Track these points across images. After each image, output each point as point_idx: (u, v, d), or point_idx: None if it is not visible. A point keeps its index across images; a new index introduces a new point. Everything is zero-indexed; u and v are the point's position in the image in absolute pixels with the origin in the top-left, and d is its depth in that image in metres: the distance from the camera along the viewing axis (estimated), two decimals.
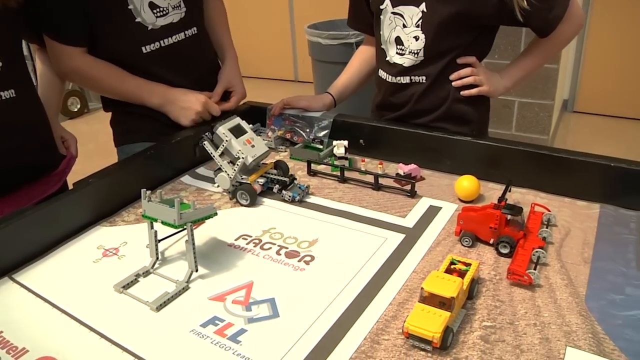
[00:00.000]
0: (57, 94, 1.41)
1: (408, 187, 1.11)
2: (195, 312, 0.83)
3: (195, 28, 1.39)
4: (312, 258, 0.93)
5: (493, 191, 1.12)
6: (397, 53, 1.28)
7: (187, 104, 1.34)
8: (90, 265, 0.98)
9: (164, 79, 1.35)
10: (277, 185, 1.12)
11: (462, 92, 1.28)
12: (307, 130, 1.34)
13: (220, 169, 1.13)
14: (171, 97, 1.35)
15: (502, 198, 0.94)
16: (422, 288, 0.76)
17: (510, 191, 0.98)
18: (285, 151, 1.35)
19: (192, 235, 0.87)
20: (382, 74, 1.34)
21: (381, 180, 1.14)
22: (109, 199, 1.14)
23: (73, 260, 1.00)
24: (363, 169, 1.19)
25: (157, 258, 0.95)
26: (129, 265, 0.96)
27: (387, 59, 1.30)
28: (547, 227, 0.97)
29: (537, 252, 0.89)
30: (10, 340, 0.82)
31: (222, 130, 1.09)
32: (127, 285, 0.90)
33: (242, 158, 1.08)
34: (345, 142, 1.22)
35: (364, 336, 0.76)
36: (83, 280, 0.94)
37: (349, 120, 1.32)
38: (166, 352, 0.76)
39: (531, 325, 0.77)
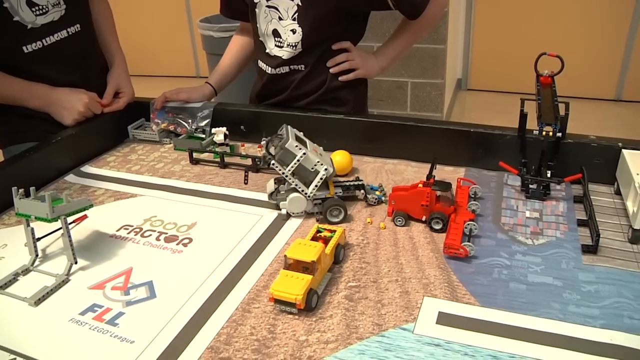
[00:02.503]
0: None
1: None
2: (75, 302, 0.85)
3: (78, 25, 1.38)
4: (190, 240, 0.97)
5: (367, 164, 1.20)
6: (276, 46, 1.32)
7: (69, 104, 1.33)
8: None
9: (49, 78, 1.34)
10: (360, 191, 1.06)
11: (340, 78, 1.34)
12: (190, 120, 1.37)
13: (278, 190, 1.05)
14: (53, 98, 1.34)
15: (429, 175, 0.98)
16: (285, 255, 0.81)
17: (436, 168, 1.01)
18: (170, 143, 1.38)
19: (67, 227, 0.89)
20: (262, 65, 1.38)
21: (259, 163, 1.18)
22: None
23: None
24: (243, 153, 1.23)
25: (37, 255, 0.96)
26: (9, 266, 0.96)
27: (267, 51, 1.34)
28: (474, 200, 1.02)
29: (468, 224, 0.93)
30: None
31: (294, 143, 0.97)
32: (4, 285, 0.91)
33: (325, 170, 0.98)
34: (224, 129, 1.26)
35: (235, 306, 0.81)
36: None
37: (229, 107, 1.36)
38: (45, 344, 0.78)
39: (393, 281, 0.85)
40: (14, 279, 0.92)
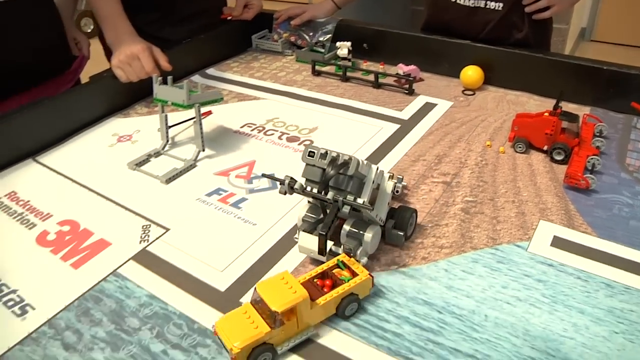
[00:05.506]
0: None
1: (407, 86, 1.15)
2: (201, 185, 0.90)
3: None
4: (311, 142, 0.99)
5: (487, 92, 1.17)
6: None
7: (130, 51, 1.14)
8: (106, 149, 1.05)
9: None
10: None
11: (535, 16, 1.20)
12: (311, 34, 1.38)
13: (353, 236, 0.71)
14: (122, 39, 1.18)
15: (556, 106, 0.94)
16: (255, 287, 0.61)
17: (560, 104, 0.95)
18: (292, 55, 1.40)
19: (200, 115, 0.94)
20: None
21: (381, 80, 1.18)
22: (123, 93, 1.20)
23: (90, 145, 1.07)
24: (365, 69, 1.23)
25: (167, 141, 1.01)
26: (142, 149, 1.03)
27: None
28: (600, 137, 0.96)
29: (592, 159, 0.89)
30: (37, 207, 0.91)
31: (361, 161, 0.67)
32: (139, 163, 0.97)
33: (399, 178, 0.78)
34: (349, 43, 1.26)
35: None
36: (99, 161, 1.01)
37: (353, 24, 1.35)
38: (174, 216, 0.84)
39: (510, 202, 0.83)
40: (146, 159, 0.99)
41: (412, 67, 1.19)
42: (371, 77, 1.20)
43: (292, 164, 0.94)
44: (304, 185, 0.70)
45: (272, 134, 1.03)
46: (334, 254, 0.68)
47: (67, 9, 1.37)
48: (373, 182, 0.69)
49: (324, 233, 0.66)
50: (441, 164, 0.92)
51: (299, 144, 0.99)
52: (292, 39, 1.39)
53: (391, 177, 0.75)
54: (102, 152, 1.05)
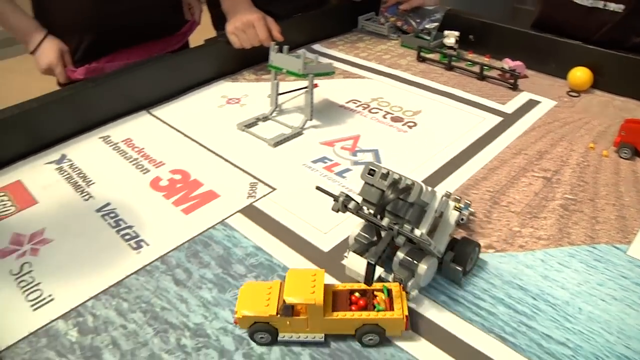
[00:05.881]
0: None
1: (511, 81, 1.16)
2: (307, 151, 0.95)
3: None
4: (415, 124, 1.02)
5: (594, 96, 1.16)
6: None
7: (246, 18, 1.20)
8: (215, 109, 1.12)
9: None
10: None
11: None
12: (418, 20, 1.40)
13: (407, 265, 0.65)
14: (235, 10, 1.24)
15: None
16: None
17: None
18: (396, 39, 1.42)
19: (312, 85, 0.98)
20: None
21: (486, 72, 1.19)
22: (234, 58, 1.26)
23: (200, 104, 1.14)
24: (470, 60, 1.25)
25: (276, 107, 1.06)
26: (250, 112, 1.09)
27: None
28: None
29: None
30: (150, 155, 0.98)
31: (422, 186, 0.61)
32: (248, 125, 1.03)
33: (455, 208, 0.67)
34: (457, 33, 1.27)
35: (455, 187, 0.85)
36: (209, 119, 1.08)
37: (461, 14, 1.36)
38: (281, 178, 0.89)
39: (610, 204, 0.84)
40: (255, 122, 1.04)
41: (518, 62, 1.19)
42: (476, 69, 1.21)
43: (395, 143, 0.97)
44: (360, 205, 0.64)
45: (377, 112, 1.06)
46: (383, 282, 0.63)
47: None
48: (435, 212, 0.62)
49: (372, 262, 0.57)
50: (542, 160, 0.93)
51: (403, 125, 1.02)
52: (399, 23, 1.42)
53: (457, 204, 0.66)
54: (211, 111, 1.11)
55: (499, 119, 1.05)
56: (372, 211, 0.63)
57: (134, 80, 1.11)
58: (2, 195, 0.90)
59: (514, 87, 1.15)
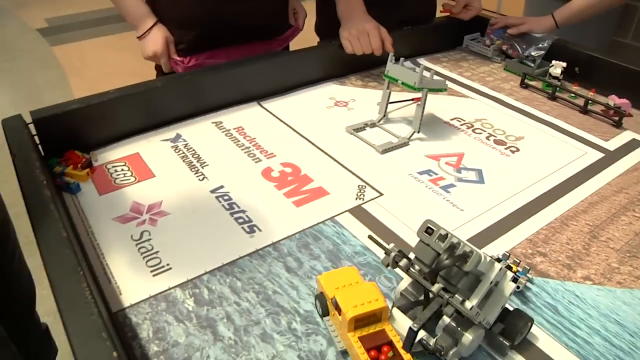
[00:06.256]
0: None
1: (616, 118, 1.17)
2: (413, 162, 1.00)
3: None
4: (517, 149, 1.05)
5: None
6: None
7: (362, 26, 1.26)
8: (324, 110, 1.18)
9: None
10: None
11: None
12: (524, 46, 1.42)
13: (450, 331, 0.61)
14: (351, 17, 1.29)
15: None
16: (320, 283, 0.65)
17: None
18: (500, 62, 1.45)
19: (425, 99, 1.03)
20: None
21: (590, 106, 1.21)
22: (342, 62, 1.32)
23: (309, 102, 1.21)
24: (574, 92, 1.26)
25: (384, 115, 1.11)
26: (357, 116, 1.14)
27: None
28: None
29: None
30: (262, 145, 1.05)
31: (484, 256, 0.58)
32: (357, 129, 1.08)
33: (512, 280, 0.61)
34: (564, 64, 1.29)
35: (555, 217, 0.88)
36: (318, 119, 1.14)
37: (569, 45, 1.38)
38: (388, 184, 0.94)
39: None
40: (363, 127, 1.10)
41: (625, 100, 1.20)
42: (579, 101, 1.23)
43: (498, 165, 1.00)
44: (411, 263, 0.62)
45: (480, 133, 1.10)
46: (423, 347, 0.60)
47: None
48: (491, 283, 0.58)
49: (415, 329, 0.55)
50: None
51: (506, 148, 1.06)
52: (504, 47, 1.44)
53: (514, 274, 0.61)
54: (320, 111, 1.17)
55: (600, 154, 1.07)
56: (423, 274, 0.61)
57: (247, 72, 1.18)
58: (123, 165, 0.99)
59: (618, 125, 1.16)
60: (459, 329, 0.60)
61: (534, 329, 0.68)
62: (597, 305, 0.72)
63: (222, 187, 0.92)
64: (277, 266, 0.77)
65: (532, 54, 1.39)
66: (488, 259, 0.58)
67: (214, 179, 0.94)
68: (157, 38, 1.24)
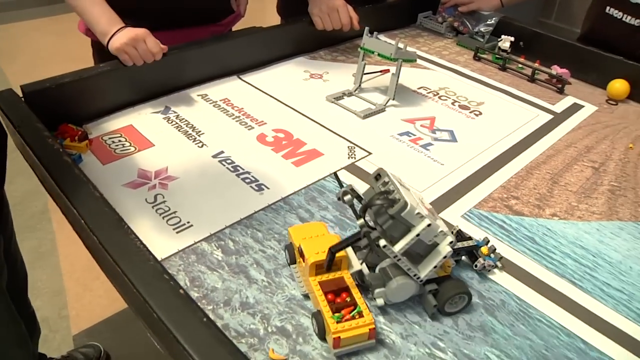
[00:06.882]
0: None
1: (559, 85, 1.33)
2: (392, 125, 1.11)
3: None
4: (480, 113, 1.18)
5: (629, 106, 1.33)
6: None
7: (333, 4, 1.33)
8: (301, 81, 1.27)
9: None
10: (479, 261, 0.76)
11: None
12: (473, 23, 1.56)
13: (384, 274, 0.68)
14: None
15: None
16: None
17: None
18: (451, 38, 1.58)
19: (399, 68, 1.14)
20: (614, 12, 1.41)
21: (536, 76, 1.36)
22: (311, 38, 1.41)
23: (286, 75, 1.29)
24: (522, 63, 1.41)
25: (359, 85, 1.22)
26: (333, 87, 1.24)
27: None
28: None
29: None
30: (251, 114, 1.13)
31: (414, 208, 0.62)
32: (337, 98, 1.18)
33: (450, 244, 0.65)
34: (512, 38, 1.43)
35: (521, 167, 1.01)
36: (298, 89, 1.23)
37: (513, 22, 1.52)
38: (374, 145, 1.04)
39: None
40: (341, 96, 1.20)
41: (565, 70, 1.36)
42: (527, 71, 1.37)
43: (466, 126, 1.13)
44: (351, 199, 0.70)
45: (446, 100, 1.23)
46: (359, 279, 0.69)
47: None
48: (418, 236, 0.62)
49: (333, 251, 0.64)
50: (589, 153, 1.09)
51: (470, 112, 1.18)
52: (456, 24, 1.58)
53: (443, 234, 0.65)
54: (298, 82, 1.26)
55: (550, 116, 1.21)
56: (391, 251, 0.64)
57: (225, 48, 1.25)
58: (119, 136, 1.04)
59: (561, 91, 1.32)
60: (390, 273, 0.66)
61: (518, 256, 0.81)
62: (565, 235, 0.86)
63: (222, 152, 1.00)
64: (291, 217, 0.85)
65: (482, 30, 1.53)
66: (418, 213, 0.61)
67: (213, 146, 1.01)
68: (133, 29, 1.10)
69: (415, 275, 0.65)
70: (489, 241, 0.78)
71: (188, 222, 0.83)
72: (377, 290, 0.66)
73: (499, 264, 0.77)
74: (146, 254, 0.66)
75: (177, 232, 0.81)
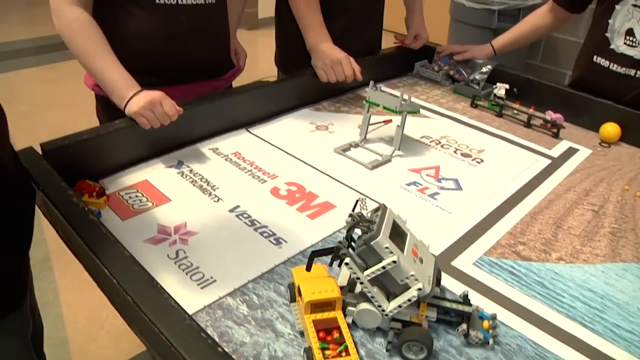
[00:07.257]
0: (240, 6, 1.53)
1: (554, 130, 1.39)
2: (400, 176, 1.15)
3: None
4: (482, 160, 1.24)
5: (622, 148, 1.39)
6: (625, 44, 1.37)
7: (335, 56, 1.38)
8: (308, 133, 1.32)
9: (167, 34, 1.27)
10: (461, 326, 0.74)
11: None
12: (469, 71, 1.63)
13: (361, 296, 0.74)
14: (321, 48, 1.41)
15: None
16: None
17: None
18: (448, 86, 1.65)
19: (404, 121, 1.19)
20: (601, 60, 1.45)
21: (532, 121, 1.42)
22: (315, 90, 1.47)
23: (293, 127, 1.34)
24: (517, 109, 1.47)
25: (365, 137, 1.27)
26: (339, 138, 1.29)
27: (612, 47, 1.40)
28: None
29: None
30: (262, 167, 1.17)
31: (384, 242, 0.68)
32: (344, 150, 1.23)
33: (417, 290, 0.68)
34: (507, 86, 1.50)
35: (525, 213, 1.06)
36: (305, 141, 1.27)
37: (507, 70, 1.60)
38: (383, 196, 1.08)
39: None
40: (349, 147, 1.24)
41: (559, 115, 1.42)
42: (522, 117, 1.44)
43: (470, 174, 1.18)
44: (349, 235, 0.76)
45: (448, 148, 1.28)
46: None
47: (234, 20, 1.48)
48: (384, 269, 0.68)
49: (311, 255, 0.75)
50: (588, 196, 1.14)
51: (472, 160, 1.24)
52: (451, 72, 1.64)
53: (414, 279, 0.70)
54: (305, 135, 1.31)
55: (548, 161, 1.27)
56: (357, 274, 0.71)
57: (233, 103, 1.30)
58: (136, 191, 1.07)
59: (556, 136, 1.38)
60: (361, 298, 0.74)
61: (530, 301, 0.84)
62: (572, 279, 0.90)
63: (238, 206, 1.03)
64: None
65: (477, 77, 1.60)
66: (387, 247, 0.68)
67: (229, 200, 1.05)
68: (149, 92, 1.12)
69: (379, 306, 0.71)
70: (495, 317, 0.77)
71: (211, 277, 0.85)
72: (348, 308, 0.74)
73: (491, 341, 0.74)
74: (181, 313, 0.69)
75: (201, 288, 0.83)
